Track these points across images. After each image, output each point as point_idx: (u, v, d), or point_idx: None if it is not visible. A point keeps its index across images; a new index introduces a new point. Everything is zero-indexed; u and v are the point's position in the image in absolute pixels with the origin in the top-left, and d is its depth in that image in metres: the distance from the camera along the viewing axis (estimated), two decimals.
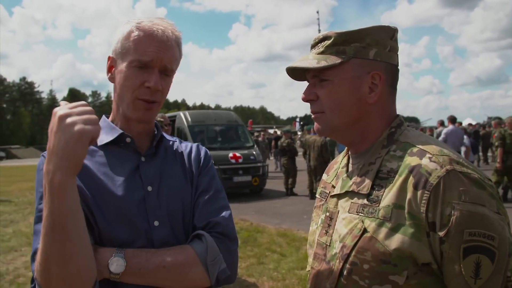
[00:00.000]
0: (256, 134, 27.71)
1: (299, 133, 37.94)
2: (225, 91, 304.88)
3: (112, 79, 1.37)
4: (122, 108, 1.35)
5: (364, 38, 1.21)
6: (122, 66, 1.31)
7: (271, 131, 31.24)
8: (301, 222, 9.20)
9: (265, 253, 6.84)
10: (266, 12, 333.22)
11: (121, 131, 1.35)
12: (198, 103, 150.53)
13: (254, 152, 13.68)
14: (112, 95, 1.40)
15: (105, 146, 1.36)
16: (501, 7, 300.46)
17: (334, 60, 1.21)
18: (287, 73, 1.34)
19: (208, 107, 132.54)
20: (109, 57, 1.37)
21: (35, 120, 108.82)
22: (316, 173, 11.55)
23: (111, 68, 1.37)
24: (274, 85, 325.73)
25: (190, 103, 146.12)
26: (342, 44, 1.21)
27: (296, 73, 1.33)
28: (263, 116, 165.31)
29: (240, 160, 12.99)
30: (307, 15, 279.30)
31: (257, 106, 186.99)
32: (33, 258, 1.15)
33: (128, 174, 1.32)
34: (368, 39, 1.21)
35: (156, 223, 1.30)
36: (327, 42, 1.24)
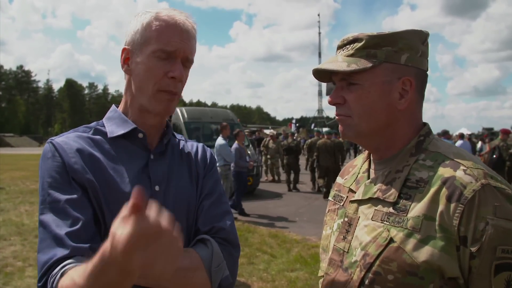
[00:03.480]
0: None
1: (295, 134, 38.02)
2: (222, 89, 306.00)
3: (128, 71, 1.31)
4: (141, 100, 1.29)
5: (396, 42, 1.16)
6: (142, 57, 1.26)
7: (266, 131, 31.05)
8: (293, 224, 9.21)
9: (256, 253, 6.82)
10: (268, 12, 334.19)
11: (134, 126, 1.30)
12: (194, 100, 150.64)
13: (249, 152, 13.65)
14: (124, 87, 1.35)
15: (114, 139, 1.30)
16: (503, 18, 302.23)
17: (365, 64, 1.16)
18: (313, 74, 1.29)
19: (205, 104, 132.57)
20: (124, 49, 1.31)
21: (30, 109, 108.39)
22: (327, 171, 12.67)
23: (126, 60, 1.31)
24: (272, 85, 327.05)
25: (186, 99, 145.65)
26: (374, 47, 1.17)
27: (321, 74, 1.28)
28: (259, 116, 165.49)
29: None
30: (309, 17, 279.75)
31: (253, 106, 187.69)
32: (47, 266, 1.06)
33: (137, 171, 1.28)
34: (400, 43, 1.16)
35: None
36: (358, 45, 1.18)
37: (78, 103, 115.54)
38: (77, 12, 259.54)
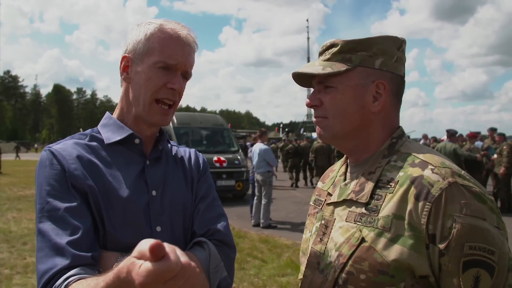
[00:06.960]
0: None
1: (283, 138, 38.08)
2: (212, 94, 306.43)
3: (127, 79, 1.33)
4: (137, 109, 1.31)
5: (371, 47, 1.21)
6: (142, 66, 1.28)
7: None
8: (283, 229, 9.21)
9: (246, 258, 6.80)
10: (258, 17, 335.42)
11: (130, 131, 1.32)
12: (184, 105, 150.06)
13: (238, 157, 13.64)
14: (121, 94, 1.36)
15: (110, 145, 1.31)
16: (491, 23, 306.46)
17: (339, 67, 1.21)
18: (294, 78, 1.34)
19: (194, 110, 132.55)
20: (124, 57, 1.33)
21: (17, 115, 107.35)
22: (321, 171, 13.87)
23: (126, 68, 1.33)
24: (262, 90, 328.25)
25: None
26: (349, 52, 1.22)
27: (302, 79, 1.33)
28: (249, 121, 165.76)
29: (225, 164, 12.95)
30: (299, 22, 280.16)
31: (243, 111, 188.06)
32: (48, 277, 1.06)
33: (134, 177, 1.29)
34: (374, 48, 1.21)
35: (158, 228, 1.28)
36: (334, 50, 1.24)
37: (66, 108, 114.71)
38: (65, 17, 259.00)
